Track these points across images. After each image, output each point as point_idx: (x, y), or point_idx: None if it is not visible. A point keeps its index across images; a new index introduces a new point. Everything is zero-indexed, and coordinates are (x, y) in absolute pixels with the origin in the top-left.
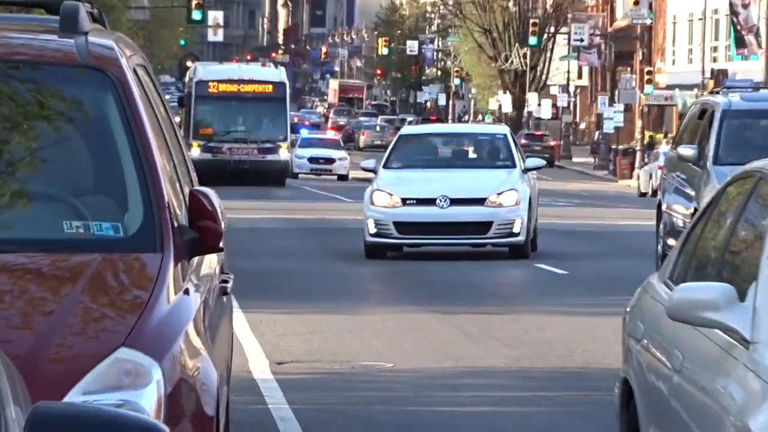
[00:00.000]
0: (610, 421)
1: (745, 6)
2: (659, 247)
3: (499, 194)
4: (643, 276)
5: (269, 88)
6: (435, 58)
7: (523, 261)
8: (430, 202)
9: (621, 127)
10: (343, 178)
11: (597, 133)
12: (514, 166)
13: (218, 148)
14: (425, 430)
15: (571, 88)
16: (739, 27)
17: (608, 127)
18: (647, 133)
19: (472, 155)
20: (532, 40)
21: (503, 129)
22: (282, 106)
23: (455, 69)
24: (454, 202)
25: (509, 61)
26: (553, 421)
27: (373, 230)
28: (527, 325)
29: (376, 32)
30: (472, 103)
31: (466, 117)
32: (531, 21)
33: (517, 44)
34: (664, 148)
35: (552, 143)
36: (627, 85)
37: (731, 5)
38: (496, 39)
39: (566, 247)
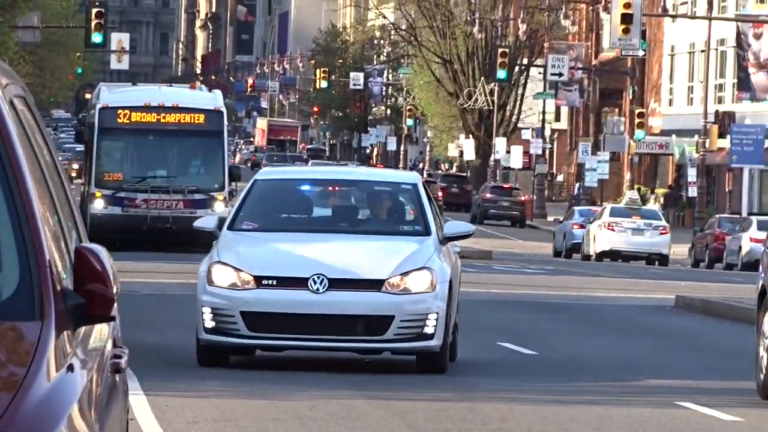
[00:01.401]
0: None
1: (758, 37)
2: (762, 349)
3: (404, 275)
4: (624, 357)
5: (200, 118)
6: (384, 93)
7: (484, 337)
8: (299, 283)
9: (606, 179)
10: None
11: (577, 186)
12: (427, 232)
13: (130, 200)
14: None
15: (547, 133)
16: (746, 63)
17: (591, 179)
18: (637, 187)
19: (364, 215)
20: (501, 74)
21: (412, 177)
22: (218, 143)
23: (408, 107)
24: (336, 284)
25: (473, 99)
26: None
27: (209, 323)
28: (487, 416)
29: (313, 61)
30: (428, 148)
31: (421, 165)
32: (500, 51)
33: (482, 78)
34: (652, 205)
35: (523, 198)
36: (614, 130)
37: (739, 35)
38: (458, 72)
39: (535, 322)
